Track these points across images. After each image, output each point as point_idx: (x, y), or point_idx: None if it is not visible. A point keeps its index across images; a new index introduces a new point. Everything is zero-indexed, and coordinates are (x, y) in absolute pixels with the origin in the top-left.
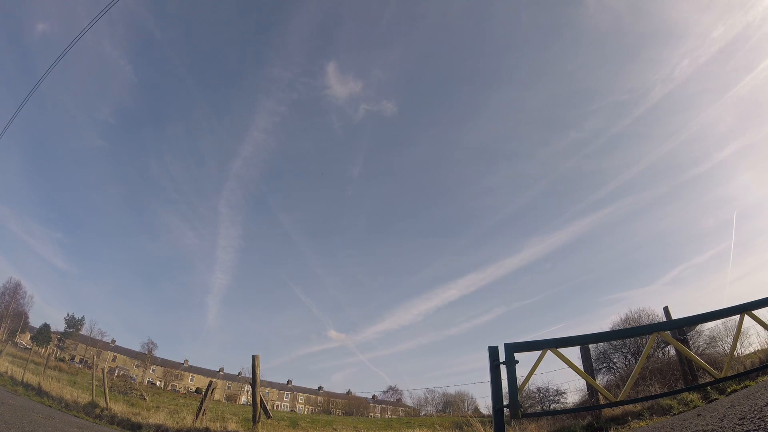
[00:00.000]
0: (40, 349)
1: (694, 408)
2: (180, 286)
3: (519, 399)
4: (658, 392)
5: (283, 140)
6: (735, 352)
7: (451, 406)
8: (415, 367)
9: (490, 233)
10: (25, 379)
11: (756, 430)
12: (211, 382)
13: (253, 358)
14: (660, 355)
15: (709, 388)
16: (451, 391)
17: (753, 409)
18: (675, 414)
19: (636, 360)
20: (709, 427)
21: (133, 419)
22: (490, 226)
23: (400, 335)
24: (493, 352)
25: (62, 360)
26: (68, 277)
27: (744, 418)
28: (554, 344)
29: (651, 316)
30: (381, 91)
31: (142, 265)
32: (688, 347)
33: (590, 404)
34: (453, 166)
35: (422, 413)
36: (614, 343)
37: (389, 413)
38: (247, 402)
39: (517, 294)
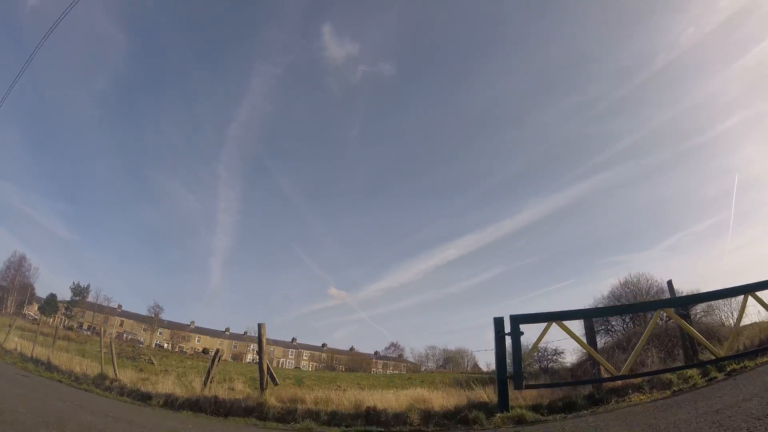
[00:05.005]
0: (48, 320)
1: (693, 386)
2: (183, 250)
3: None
4: (656, 360)
5: (280, 103)
6: (733, 323)
7: (451, 362)
8: (415, 323)
9: (488, 195)
10: (34, 354)
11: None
12: (218, 351)
13: (259, 326)
14: (658, 322)
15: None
16: (451, 347)
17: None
18: (675, 390)
19: (634, 324)
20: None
21: (142, 389)
22: (489, 187)
23: (400, 293)
24: (498, 323)
25: (70, 329)
26: (72, 246)
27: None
28: (559, 317)
29: (650, 281)
30: (379, 53)
31: (144, 230)
32: (690, 321)
33: (592, 373)
34: (452, 128)
35: (423, 368)
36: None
37: (391, 369)
38: (253, 360)
39: (516, 254)
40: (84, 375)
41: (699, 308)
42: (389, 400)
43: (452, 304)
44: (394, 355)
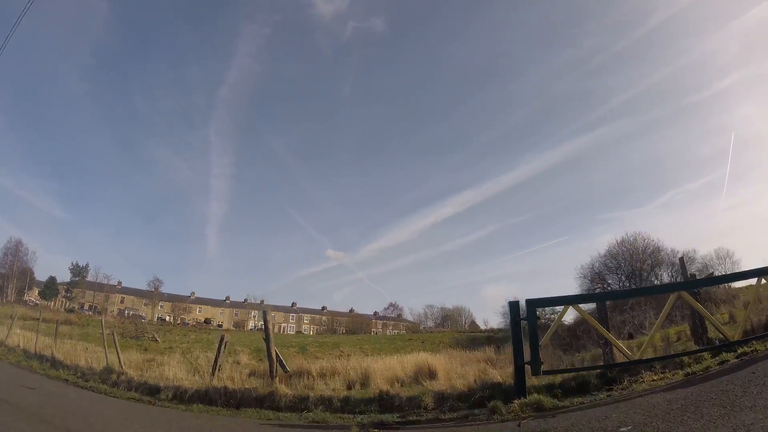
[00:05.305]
0: (48, 304)
1: (706, 369)
2: (179, 219)
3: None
4: (652, 320)
5: (269, 64)
6: (729, 285)
7: (450, 320)
8: (412, 282)
9: (484, 151)
10: (38, 349)
11: None
12: (222, 337)
13: (264, 312)
14: (653, 279)
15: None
16: (449, 305)
17: None
18: (688, 373)
19: (630, 282)
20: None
21: (150, 381)
22: (483, 143)
23: (397, 252)
24: (514, 307)
25: (72, 311)
26: (68, 225)
27: None
28: (575, 300)
29: (646, 240)
30: (369, 7)
31: (139, 202)
32: (700, 300)
33: (605, 352)
34: (447, 83)
35: (422, 327)
36: (609, 264)
37: (390, 328)
38: (255, 327)
39: (511, 211)
40: (90, 369)
41: (694, 267)
42: (394, 367)
43: (448, 262)
44: (393, 315)
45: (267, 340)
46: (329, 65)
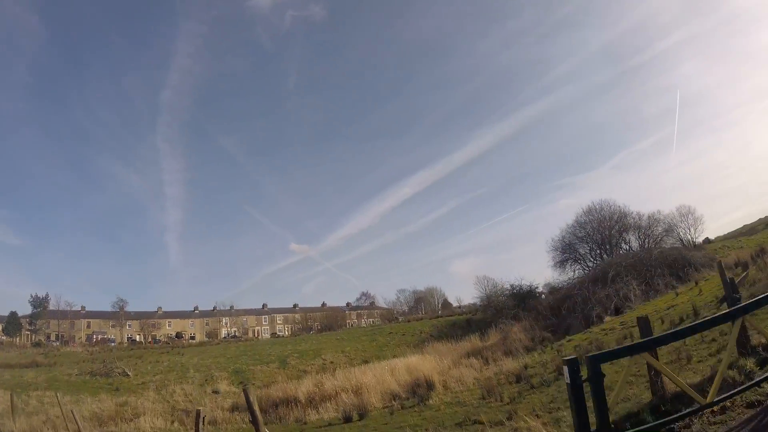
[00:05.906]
0: (13, 340)
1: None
2: (136, 233)
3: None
4: (638, 293)
5: (211, 62)
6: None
7: (423, 302)
8: (380, 266)
9: (435, 129)
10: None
11: None
12: (198, 412)
13: (245, 391)
14: (625, 246)
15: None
16: (420, 287)
17: None
18: (753, 402)
19: (601, 249)
20: None
21: None
22: (435, 121)
23: (361, 238)
24: (572, 366)
25: (38, 344)
26: (24, 252)
27: None
28: (639, 349)
29: (612, 207)
30: None
31: (94, 220)
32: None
33: (653, 383)
34: (391, 65)
35: (395, 312)
36: (578, 234)
37: (365, 317)
38: (228, 335)
39: (468, 186)
40: None
41: (660, 228)
42: (387, 380)
43: (414, 242)
44: (366, 305)
45: (255, 422)
46: (271, 57)
